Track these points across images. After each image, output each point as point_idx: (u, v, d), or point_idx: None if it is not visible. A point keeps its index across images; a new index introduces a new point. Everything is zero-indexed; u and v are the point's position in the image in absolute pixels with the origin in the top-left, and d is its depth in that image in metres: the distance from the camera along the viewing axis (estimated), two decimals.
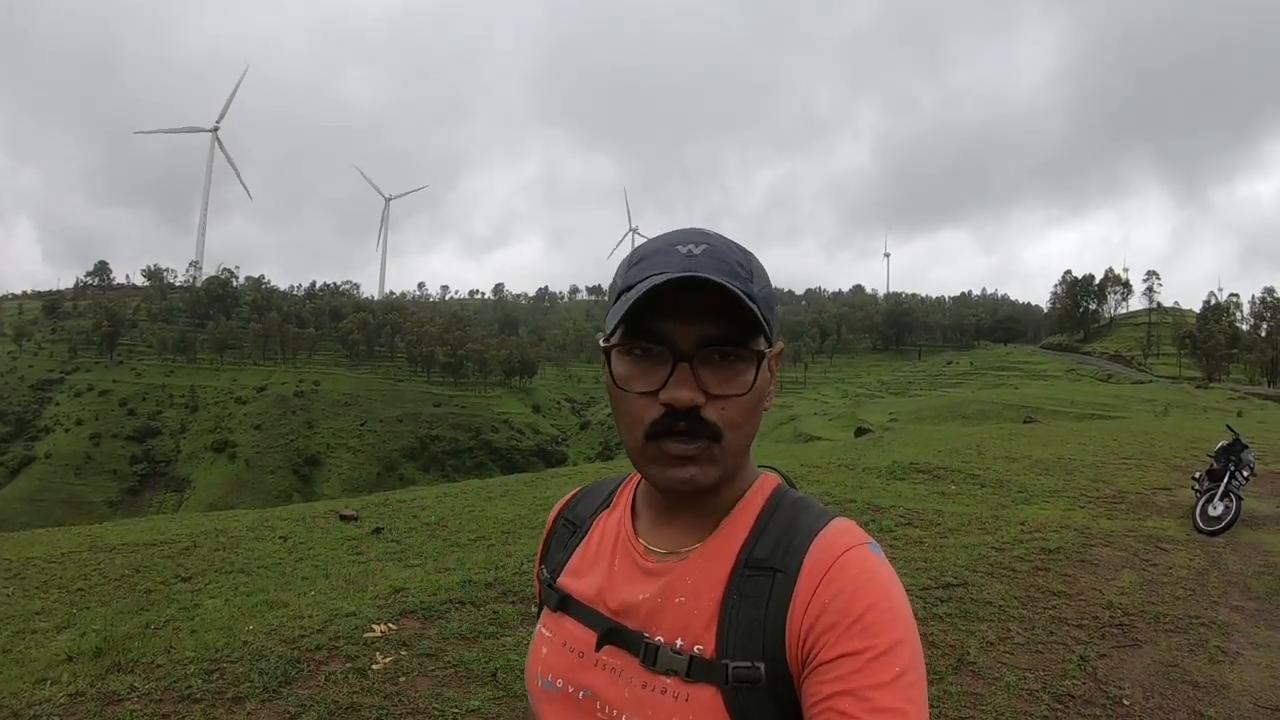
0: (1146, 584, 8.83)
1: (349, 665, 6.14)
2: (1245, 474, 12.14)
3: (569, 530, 1.60)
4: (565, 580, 1.50)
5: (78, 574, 11.20)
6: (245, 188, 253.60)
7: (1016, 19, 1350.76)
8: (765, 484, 1.44)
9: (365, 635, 6.72)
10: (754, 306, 1.25)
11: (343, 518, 14.73)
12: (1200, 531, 11.34)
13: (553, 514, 1.68)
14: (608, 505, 1.58)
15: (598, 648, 1.37)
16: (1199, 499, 12.03)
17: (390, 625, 6.98)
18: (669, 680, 1.28)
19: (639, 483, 1.53)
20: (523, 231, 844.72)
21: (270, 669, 5.95)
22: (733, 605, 1.30)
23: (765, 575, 1.30)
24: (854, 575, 1.25)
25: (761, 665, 1.24)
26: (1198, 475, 12.73)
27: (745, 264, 1.33)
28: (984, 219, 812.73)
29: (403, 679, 5.95)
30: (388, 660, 6.25)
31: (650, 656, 1.30)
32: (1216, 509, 11.56)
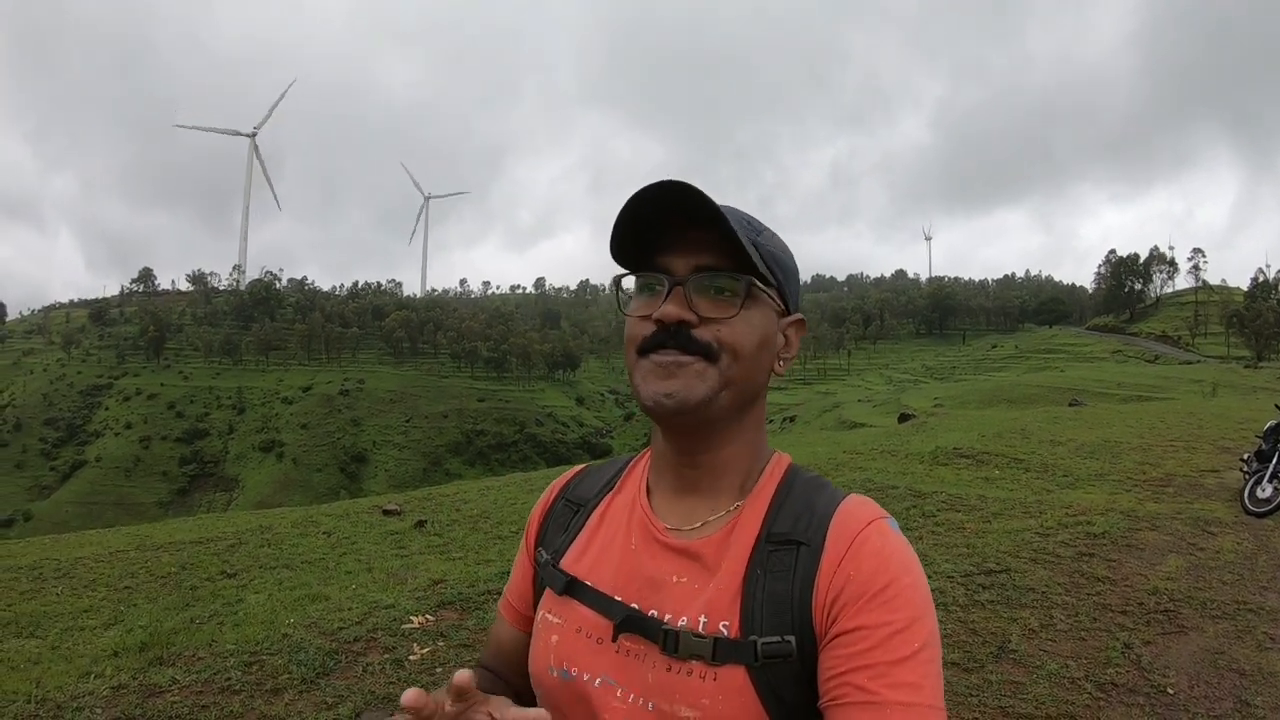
0: (1193, 569, 8.67)
1: (386, 656, 6.19)
2: None
3: (570, 511, 1.57)
4: (570, 563, 1.48)
5: (125, 572, 11.25)
6: (276, 198, 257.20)
7: None
8: (780, 462, 1.45)
9: (403, 627, 6.77)
10: (742, 240, 1.29)
11: (386, 513, 14.78)
12: (1249, 514, 11.13)
13: (550, 493, 1.65)
14: (612, 486, 1.56)
15: (615, 636, 1.35)
16: (1247, 480, 11.82)
17: (428, 617, 7.02)
18: (694, 663, 1.27)
19: (649, 461, 1.52)
20: (566, 221, 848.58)
21: (309, 660, 6.01)
22: (756, 581, 1.29)
23: (789, 549, 1.31)
24: (877, 548, 1.27)
25: (792, 639, 1.24)
26: (1246, 456, 12.51)
27: (754, 223, 1.40)
28: (1042, 196, 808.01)
29: (439, 669, 5.98)
30: (425, 651, 6.29)
31: (671, 644, 1.29)
32: (1265, 490, 11.34)
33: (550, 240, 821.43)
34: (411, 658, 6.16)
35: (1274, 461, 11.59)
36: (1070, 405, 36.41)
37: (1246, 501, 11.39)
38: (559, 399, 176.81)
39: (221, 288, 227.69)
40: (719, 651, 1.25)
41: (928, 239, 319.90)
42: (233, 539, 13.21)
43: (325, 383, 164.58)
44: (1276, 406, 13.87)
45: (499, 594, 5.54)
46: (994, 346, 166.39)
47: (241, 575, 10.79)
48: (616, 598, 1.38)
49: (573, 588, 1.44)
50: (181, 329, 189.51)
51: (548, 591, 1.49)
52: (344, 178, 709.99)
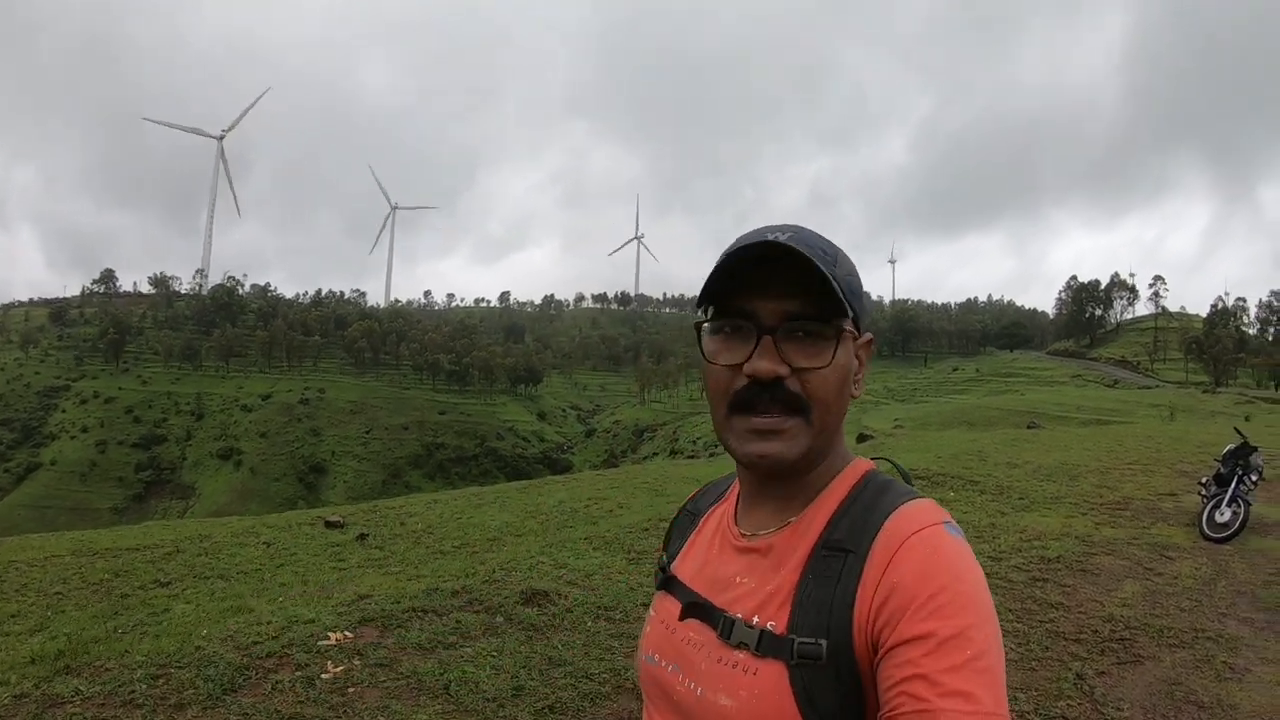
0: (1150, 595, 8.51)
1: (298, 674, 5.92)
2: (1254, 478, 11.91)
3: (689, 520, 1.71)
4: (676, 564, 1.62)
5: (58, 577, 11.05)
6: (237, 203, 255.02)
7: (1083, 7, 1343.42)
8: (857, 468, 1.49)
9: (319, 643, 6.50)
10: (833, 280, 1.32)
11: (329, 524, 14.58)
12: (1207, 538, 11.08)
13: (681, 506, 1.79)
14: (723, 496, 1.67)
15: (681, 619, 1.48)
16: (1205, 505, 11.76)
17: (347, 633, 6.77)
18: (740, 655, 1.34)
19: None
20: (537, 234, 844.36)
21: (217, 676, 5.77)
22: (806, 584, 1.34)
23: (838, 556, 1.34)
24: (924, 555, 1.27)
25: (824, 642, 1.27)
26: (1204, 480, 12.45)
27: (830, 250, 1.39)
28: (1017, 221, 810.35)
29: (351, 689, 5.73)
30: (339, 669, 6.04)
31: (726, 629, 1.37)
32: (1224, 515, 11.30)
33: (519, 253, 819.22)
34: (324, 676, 5.90)
35: (1232, 485, 11.56)
36: (1028, 428, 36.57)
37: (1205, 526, 11.34)
38: (520, 413, 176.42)
39: (183, 291, 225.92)
40: (763, 644, 1.32)
41: (891, 263, 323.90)
42: (170, 547, 13.01)
43: (286, 391, 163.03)
44: (1236, 430, 13.73)
45: (424, 611, 5.44)
46: (955, 369, 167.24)
47: (175, 585, 10.58)
48: (692, 589, 1.50)
49: (668, 584, 1.59)
50: (142, 332, 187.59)
51: (658, 591, 1.64)
52: (315, 183, 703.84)
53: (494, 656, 6.32)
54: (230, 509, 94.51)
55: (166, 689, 5.60)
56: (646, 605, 6.26)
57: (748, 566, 1.44)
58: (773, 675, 1.29)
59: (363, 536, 13.17)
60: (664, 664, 1.47)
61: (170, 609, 8.69)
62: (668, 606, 1.54)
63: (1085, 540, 10.53)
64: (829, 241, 1.42)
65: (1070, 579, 8.88)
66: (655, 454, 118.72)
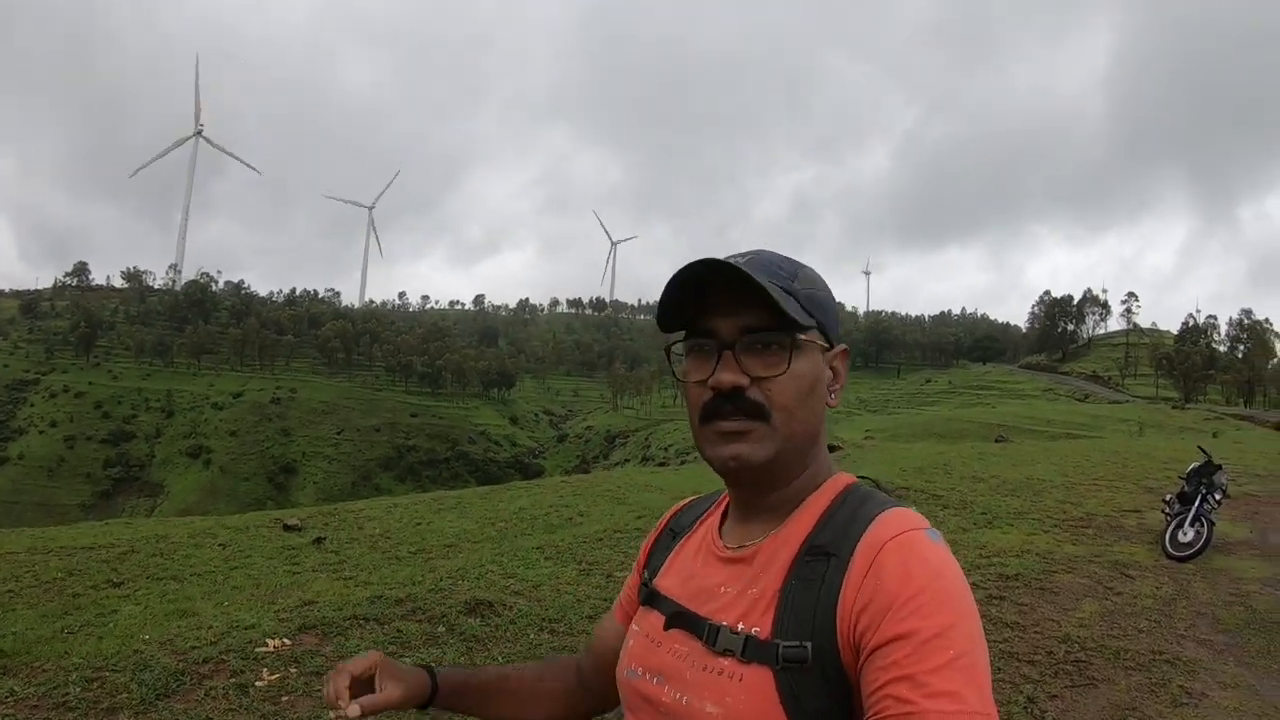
0: (1108, 615, 8.39)
1: (232, 681, 5.87)
2: (1217, 497, 11.87)
3: (670, 536, 1.71)
4: (658, 579, 1.61)
5: (10, 575, 10.87)
6: (252, 166, 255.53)
7: (1071, 24, 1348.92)
8: (838, 482, 1.50)
9: (257, 650, 6.43)
10: (786, 293, 1.38)
11: (286, 527, 14.46)
12: (1170, 557, 10.99)
13: (662, 521, 1.79)
14: (705, 514, 1.67)
15: (665, 629, 1.48)
16: (1169, 523, 11.69)
17: (286, 640, 6.69)
18: (726, 661, 1.34)
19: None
20: (515, 238, 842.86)
21: (152, 680, 5.72)
22: (790, 590, 1.34)
23: (821, 560, 1.35)
24: (904, 559, 1.27)
25: (809, 645, 1.27)
26: (1168, 498, 12.36)
27: (787, 267, 1.45)
28: (997, 234, 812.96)
29: (285, 698, 5.66)
30: (274, 677, 5.98)
31: (712, 637, 1.38)
32: (1187, 534, 11.22)
33: (496, 256, 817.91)
34: (258, 683, 5.82)
35: (1196, 504, 11.49)
36: (996, 441, 36.74)
37: (1168, 545, 11.27)
38: (493, 417, 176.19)
39: (157, 286, 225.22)
40: (748, 649, 1.32)
41: (866, 274, 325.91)
42: (126, 546, 12.85)
43: (257, 390, 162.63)
44: (1200, 448, 13.67)
45: (366, 619, 5.51)
46: (928, 381, 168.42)
47: (127, 585, 10.45)
48: (676, 601, 1.50)
49: (651, 598, 1.58)
50: (113, 327, 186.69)
51: (640, 607, 1.63)
52: (293, 181, 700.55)
53: None
54: (199, 508, 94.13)
55: (100, 692, 5.56)
56: (593, 618, 6.16)
57: (732, 576, 1.46)
58: (759, 680, 1.30)
59: (319, 540, 13.06)
60: (647, 676, 1.47)
61: (119, 610, 8.62)
62: (651, 620, 1.55)
63: (1046, 557, 10.44)
64: (790, 260, 1.48)
65: (1028, 597, 8.77)
66: (627, 460, 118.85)
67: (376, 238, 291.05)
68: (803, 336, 1.40)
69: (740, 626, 1.36)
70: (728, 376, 1.37)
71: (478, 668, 1.87)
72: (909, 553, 1.28)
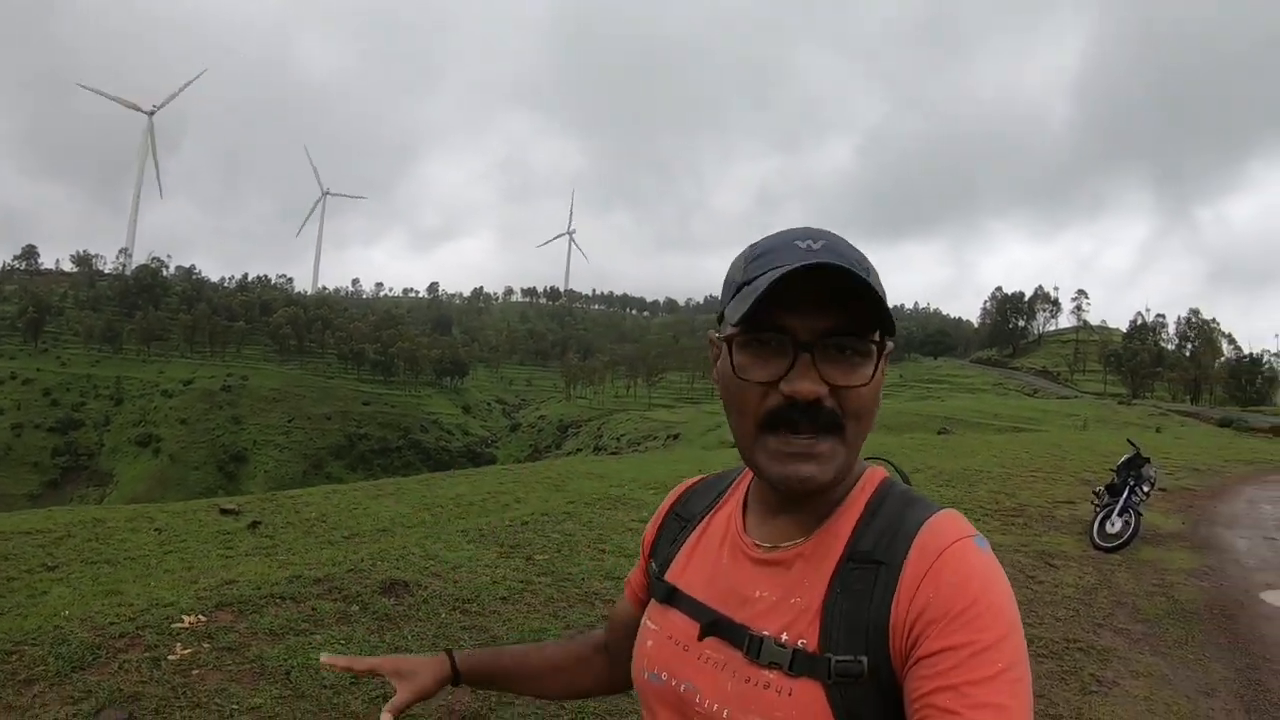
0: (1027, 603, 8.43)
1: (146, 655, 5.88)
2: (1146, 489, 12.07)
3: (679, 524, 1.64)
4: (674, 575, 1.54)
5: None
6: (159, 183, 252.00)
7: (1043, 26, 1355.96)
8: (872, 477, 1.44)
9: (173, 625, 6.44)
10: (880, 295, 1.26)
11: (224, 512, 14.39)
12: (1098, 548, 11.17)
13: (664, 507, 1.72)
14: (717, 502, 1.60)
15: (700, 638, 1.40)
16: (1097, 514, 11.86)
17: (201, 617, 6.69)
18: (771, 674, 1.28)
19: (753, 479, 1.51)
20: (471, 225, 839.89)
21: (68, 654, 5.76)
22: (836, 599, 1.29)
23: (869, 568, 1.29)
24: (958, 569, 1.23)
25: (864, 659, 1.23)
26: (1098, 490, 12.55)
27: (863, 261, 1.33)
28: (957, 230, 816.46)
29: (195, 671, 5.69)
30: (186, 652, 6.00)
31: (755, 648, 1.31)
32: (1115, 525, 11.41)
33: (451, 243, 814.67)
34: (170, 657, 5.85)
35: (1124, 495, 11.61)
36: (939, 433, 36.89)
37: (1095, 535, 11.45)
38: (445, 406, 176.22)
39: (107, 271, 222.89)
40: (796, 663, 1.26)
41: None
42: (63, 531, 12.70)
43: (208, 377, 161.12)
44: (1129, 441, 13.76)
45: (283, 598, 5.67)
46: None
47: (61, 569, 10.40)
48: (708, 605, 1.42)
49: (672, 597, 1.50)
50: (62, 312, 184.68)
51: (652, 600, 1.56)
52: (246, 163, 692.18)
53: (342, 644, 6.28)
54: (148, 497, 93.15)
55: (19, 665, 5.60)
56: (505, 600, 6.10)
57: (768, 580, 1.38)
58: (809, 695, 1.25)
59: (255, 525, 13.01)
60: (675, 683, 1.42)
61: (50, 592, 8.72)
62: (675, 622, 1.47)
63: None
64: (857, 249, 1.36)
65: None
66: (580, 450, 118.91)
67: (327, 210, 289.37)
68: (888, 342, 1.31)
69: (785, 637, 1.30)
70: (808, 386, 1.25)
71: (498, 649, 1.85)
72: (962, 563, 1.24)
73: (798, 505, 1.39)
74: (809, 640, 1.27)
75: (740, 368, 1.30)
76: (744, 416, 1.32)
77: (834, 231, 1.36)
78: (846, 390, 1.27)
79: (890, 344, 1.32)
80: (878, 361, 1.29)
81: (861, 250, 1.35)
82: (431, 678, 1.62)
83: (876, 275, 1.33)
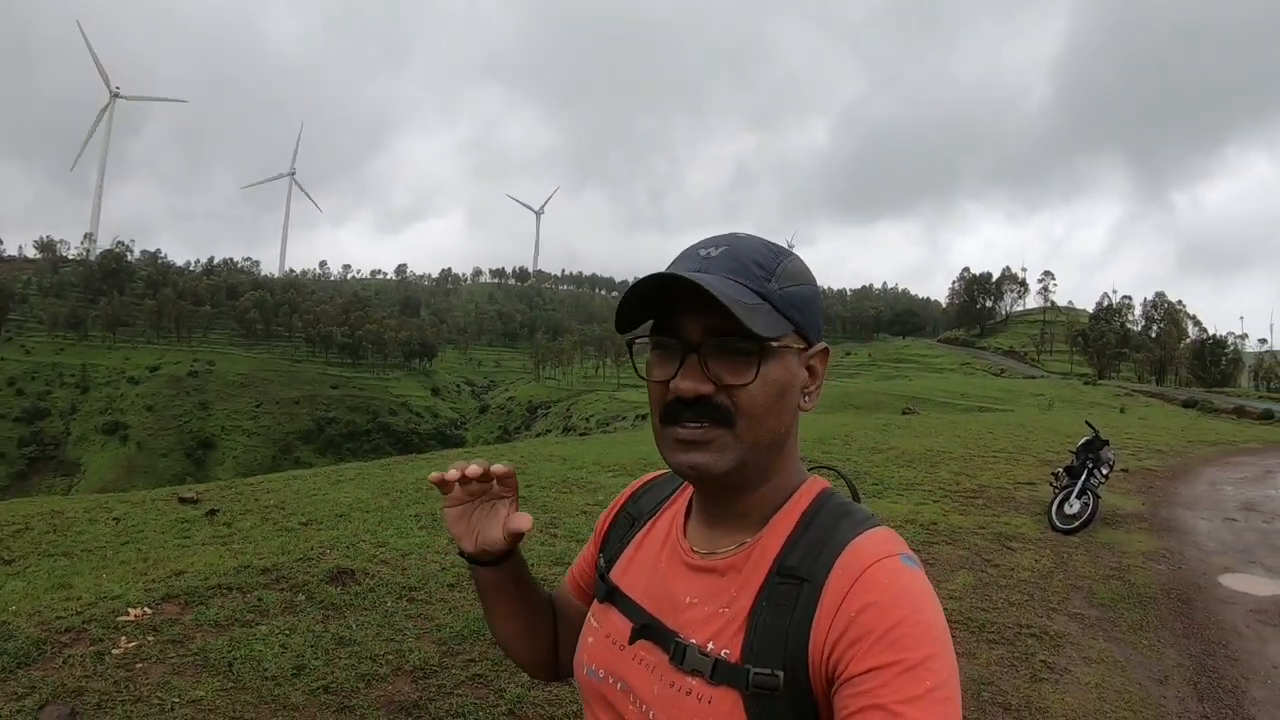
0: (981, 587, 8.43)
1: (91, 649, 5.88)
2: (1104, 471, 12.12)
3: (629, 522, 1.66)
4: (617, 574, 1.57)
5: None
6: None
7: (1023, 5, 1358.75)
8: (811, 488, 1.45)
9: (118, 619, 6.41)
10: (733, 308, 1.25)
11: (182, 500, 14.36)
12: (1056, 530, 11.21)
13: (617, 502, 1.73)
14: (667, 502, 1.62)
15: (631, 640, 1.43)
16: (1056, 495, 11.89)
17: (147, 609, 6.65)
18: (694, 681, 1.31)
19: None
20: (440, 205, 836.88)
21: (14, 650, 5.73)
22: (761, 612, 1.30)
23: (793, 584, 1.31)
24: (883, 587, 1.24)
25: (781, 674, 1.24)
26: (1057, 471, 12.59)
27: (766, 263, 1.36)
28: (930, 211, 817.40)
29: (139, 665, 5.68)
30: (130, 645, 5.98)
31: (679, 655, 1.34)
32: (1073, 507, 11.46)
33: (420, 223, 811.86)
34: (115, 651, 5.81)
35: (1083, 478, 11.64)
36: (903, 413, 37.01)
37: (1054, 517, 11.49)
38: (414, 388, 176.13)
39: (71, 256, 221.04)
40: (717, 672, 1.28)
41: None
42: (20, 523, 12.62)
43: (174, 363, 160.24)
44: (1088, 423, 13.76)
45: (229, 588, 5.74)
46: (848, 354, 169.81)
47: (18, 563, 10.24)
48: (642, 606, 1.45)
49: (612, 596, 1.53)
50: (26, 299, 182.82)
51: (595, 598, 1.59)
52: (211, 141, 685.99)
53: (286, 635, 6.24)
54: (116, 486, 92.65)
55: None
56: (453, 587, 6.02)
57: (701, 587, 1.40)
58: (727, 704, 1.27)
59: (212, 513, 12.93)
60: (610, 681, 1.45)
61: (3, 586, 8.51)
62: (614, 621, 1.50)
63: (928, 528, 10.51)
64: (772, 251, 1.39)
65: None
66: (549, 431, 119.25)
67: (311, 199, 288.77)
68: (775, 344, 1.31)
69: (710, 647, 1.32)
70: (689, 384, 1.31)
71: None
72: (888, 581, 1.24)
73: (730, 510, 1.41)
74: (732, 651, 1.29)
75: (647, 369, 1.39)
76: (653, 413, 1.39)
77: (747, 233, 1.42)
78: (734, 388, 1.30)
79: (788, 343, 1.33)
80: (760, 362, 1.30)
81: (796, 264, 1.41)
82: (503, 527, 1.52)
83: (794, 276, 1.38)
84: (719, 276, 1.30)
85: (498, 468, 1.47)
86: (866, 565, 1.25)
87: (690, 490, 1.55)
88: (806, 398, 1.40)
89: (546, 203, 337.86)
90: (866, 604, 1.21)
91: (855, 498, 1.50)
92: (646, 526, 1.61)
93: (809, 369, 1.41)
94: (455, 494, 1.51)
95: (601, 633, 1.51)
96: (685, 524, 1.51)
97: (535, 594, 1.72)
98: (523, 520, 1.49)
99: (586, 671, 1.50)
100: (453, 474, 1.47)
